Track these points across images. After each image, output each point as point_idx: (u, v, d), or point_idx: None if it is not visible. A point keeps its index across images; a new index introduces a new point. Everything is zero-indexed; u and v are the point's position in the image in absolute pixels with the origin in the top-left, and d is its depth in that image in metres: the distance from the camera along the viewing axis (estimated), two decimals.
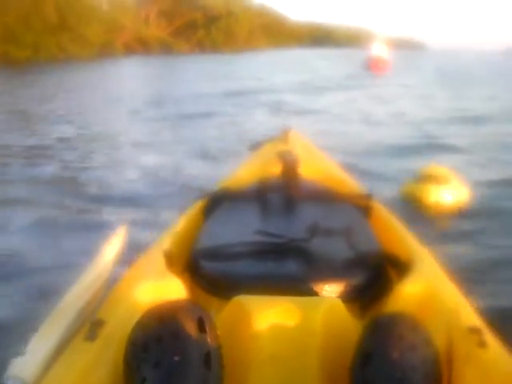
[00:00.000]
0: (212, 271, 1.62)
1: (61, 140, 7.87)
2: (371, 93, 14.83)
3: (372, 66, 25.39)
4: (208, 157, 6.31)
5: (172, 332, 1.15)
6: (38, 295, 2.75)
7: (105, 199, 4.69)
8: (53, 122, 9.73)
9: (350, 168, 3.00)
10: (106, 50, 44.41)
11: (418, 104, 12.08)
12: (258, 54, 47.74)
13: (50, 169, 5.97)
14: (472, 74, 23.79)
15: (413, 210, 3.99)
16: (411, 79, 20.12)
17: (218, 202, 2.14)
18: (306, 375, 1.26)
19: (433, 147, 6.73)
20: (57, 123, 9.49)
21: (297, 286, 1.50)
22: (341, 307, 1.36)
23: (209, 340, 1.15)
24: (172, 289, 1.49)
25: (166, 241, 1.77)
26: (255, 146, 2.90)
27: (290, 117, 9.20)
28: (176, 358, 1.11)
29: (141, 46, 51.44)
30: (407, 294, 1.47)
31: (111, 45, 46.98)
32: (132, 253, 1.69)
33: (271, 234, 1.69)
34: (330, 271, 1.57)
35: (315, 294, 1.48)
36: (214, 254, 1.65)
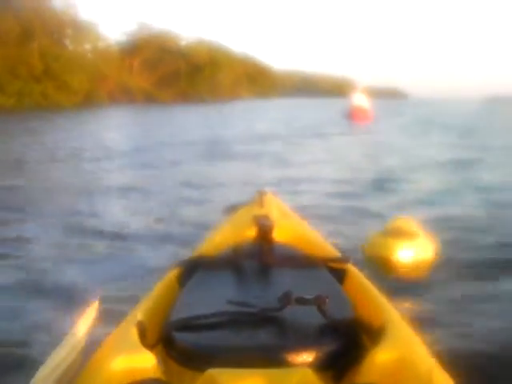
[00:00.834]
0: (184, 344, 1.62)
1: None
2: (344, 142, 15.47)
3: (353, 116, 25.74)
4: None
5: None
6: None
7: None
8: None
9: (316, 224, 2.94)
10: (90, 99, 44.82)
11: (382, 152, 12.60)
12: (241, 104, 48.21)
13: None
14: (445, 124, 24.31)
15: (376, 266, 3.94)
16: (387, 128, 20.81)
17: (192, 270, 2.15)
18: None
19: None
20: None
21: (270, 356, 1.50)
22: (313, 377, 1.35)
23: None
24: (144, 363, 1.49)
25: (139, 312, 1.78)
26: (230, 209, 2.91)
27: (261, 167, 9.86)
28: None
29: (124, 96, 52.03)
30: (380, 362, 1.47)
31: (95, 93, 47.50)
32: (106, 325, 1.71)
33: (244, 304, 1.70)
34: (304, 340, 1.57)
35: (288, 364, 1.48)
36: (187, 325, 1.65)
